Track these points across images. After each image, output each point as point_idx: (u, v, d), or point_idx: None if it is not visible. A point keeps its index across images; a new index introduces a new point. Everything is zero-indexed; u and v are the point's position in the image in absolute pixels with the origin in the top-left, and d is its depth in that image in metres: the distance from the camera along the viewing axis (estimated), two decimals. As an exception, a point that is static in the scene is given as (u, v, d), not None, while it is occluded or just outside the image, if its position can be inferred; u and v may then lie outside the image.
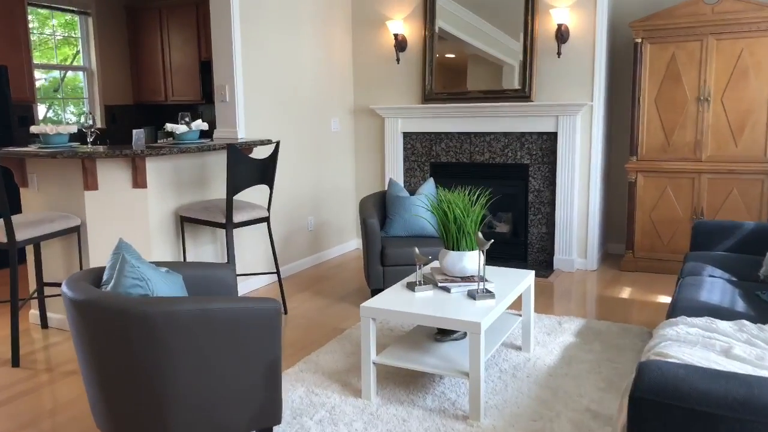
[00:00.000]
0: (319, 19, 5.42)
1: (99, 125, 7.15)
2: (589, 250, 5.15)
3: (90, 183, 3.73)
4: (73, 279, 2.35)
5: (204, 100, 7.00)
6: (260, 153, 4.50)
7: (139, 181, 3.83)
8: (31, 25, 6.65)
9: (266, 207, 4.15)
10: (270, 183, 4.06)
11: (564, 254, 5.16)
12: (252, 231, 4.72)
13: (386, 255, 4.11)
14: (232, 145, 3.74)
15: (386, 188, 4.64)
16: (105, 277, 2.40)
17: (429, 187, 4.56)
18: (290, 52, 5.09)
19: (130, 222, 3.85)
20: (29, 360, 3.49)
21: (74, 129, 3.80)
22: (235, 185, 3.77)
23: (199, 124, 4.12)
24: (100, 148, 3.73)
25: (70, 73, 7.10)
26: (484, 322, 2.63)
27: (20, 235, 3.38)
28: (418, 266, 3.06)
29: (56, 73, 7.00)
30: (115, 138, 6.92)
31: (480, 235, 2.92)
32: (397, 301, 2.89)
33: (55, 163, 3.80)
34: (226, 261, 4.15)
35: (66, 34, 7.02)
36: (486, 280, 3.05)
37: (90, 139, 4.24)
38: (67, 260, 3.89)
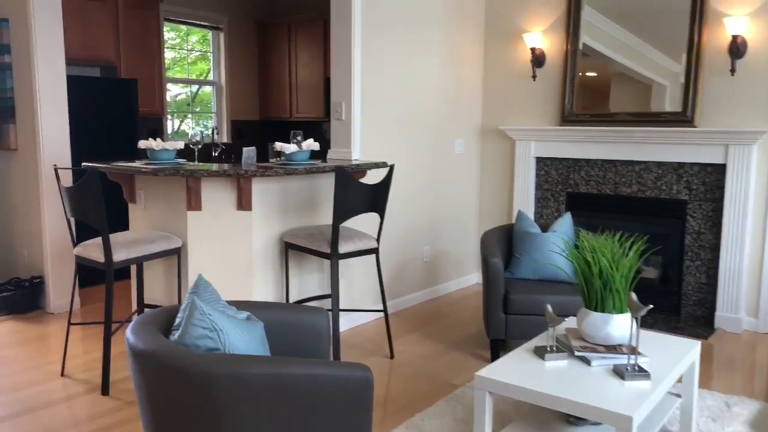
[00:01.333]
0: (447, 33, 4.96)
1: (225, 140, 7.18)
2: (762, 308, 4.22)
3: (193, 203, 3.51)
4: (142, 321, 2.03)
5: (327, 117, 6.79)
6: (375, 176, 4.10)
7: (243, 203, 3.56)
8: (173, 42, 6.82)
9: (376, 237, 3.73)
10: (381, 211, 3.63)
11: (728, 311, 4.28)
12: (361, 261, 4.32)
13: (510, 301, 3.53)
14: (340, 167, 3.36)
15: (513, 221, 4.06)
16: (177, 320, 2.07)
17: (565, 223, 3.91)
18: (414, 67, 4.68)
19: (232, 246, 3.58)
20: (120, 388, 3.29)
21: (181, 145, 3.61)
22: (341, 213, 3.38)
23: (311, 144, 3.79)
24: (200, 165, 3.49)
25: (207, 88, 7.18)
26: (636, 417, 2.00)
27: (117, 256, 3.19)
28: (550, 327, 2.47)
29: (196, 88, 7.12)
30: (240, 154, 6.87)
31: (634, 296, 2.28)
32: (522, 371, 2.32)
33: (160, 181, 3.62)
34: (330, 293, 3.77)
35: (204, 50, 7.13)
36: (639, 353, 2.40)
37: (215, 154, 4.08)
38: (168, 282, 3.70)
